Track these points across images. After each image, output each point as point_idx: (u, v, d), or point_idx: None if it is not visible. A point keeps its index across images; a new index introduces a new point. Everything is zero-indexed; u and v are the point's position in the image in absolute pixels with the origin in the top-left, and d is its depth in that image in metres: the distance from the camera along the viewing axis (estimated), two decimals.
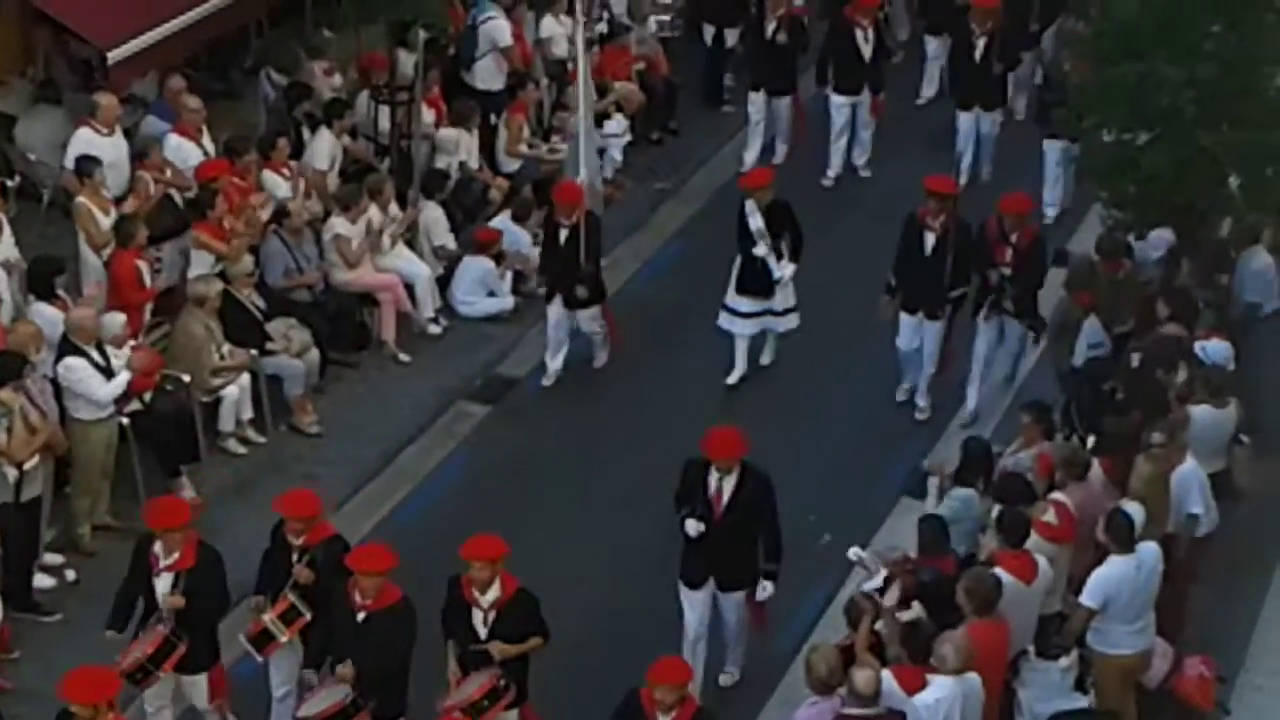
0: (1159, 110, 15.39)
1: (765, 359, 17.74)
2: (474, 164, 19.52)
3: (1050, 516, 13.29)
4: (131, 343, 15.24)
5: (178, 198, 16.92)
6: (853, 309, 17.68)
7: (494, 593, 12.51)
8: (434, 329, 18.24)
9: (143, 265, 16.00)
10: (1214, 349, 15.12)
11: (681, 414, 16.59)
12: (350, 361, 17.61)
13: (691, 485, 13.38)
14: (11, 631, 13.95)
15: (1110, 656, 13.02)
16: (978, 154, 20.95)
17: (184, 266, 16.75)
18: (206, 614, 12.80)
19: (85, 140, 16.78)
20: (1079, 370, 15.81)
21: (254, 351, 16.39)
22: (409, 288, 17.98)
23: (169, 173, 16.97)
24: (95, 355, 14.69)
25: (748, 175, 18.20)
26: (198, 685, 12.95)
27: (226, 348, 16.20)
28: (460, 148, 19.32)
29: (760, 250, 17.01)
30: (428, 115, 18.89)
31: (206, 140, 17.66)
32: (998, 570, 12.61)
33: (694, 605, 13.69)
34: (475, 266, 18.50)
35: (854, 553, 13.55)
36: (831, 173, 21.22)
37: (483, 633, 12.58)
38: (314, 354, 16.86)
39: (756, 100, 21.13)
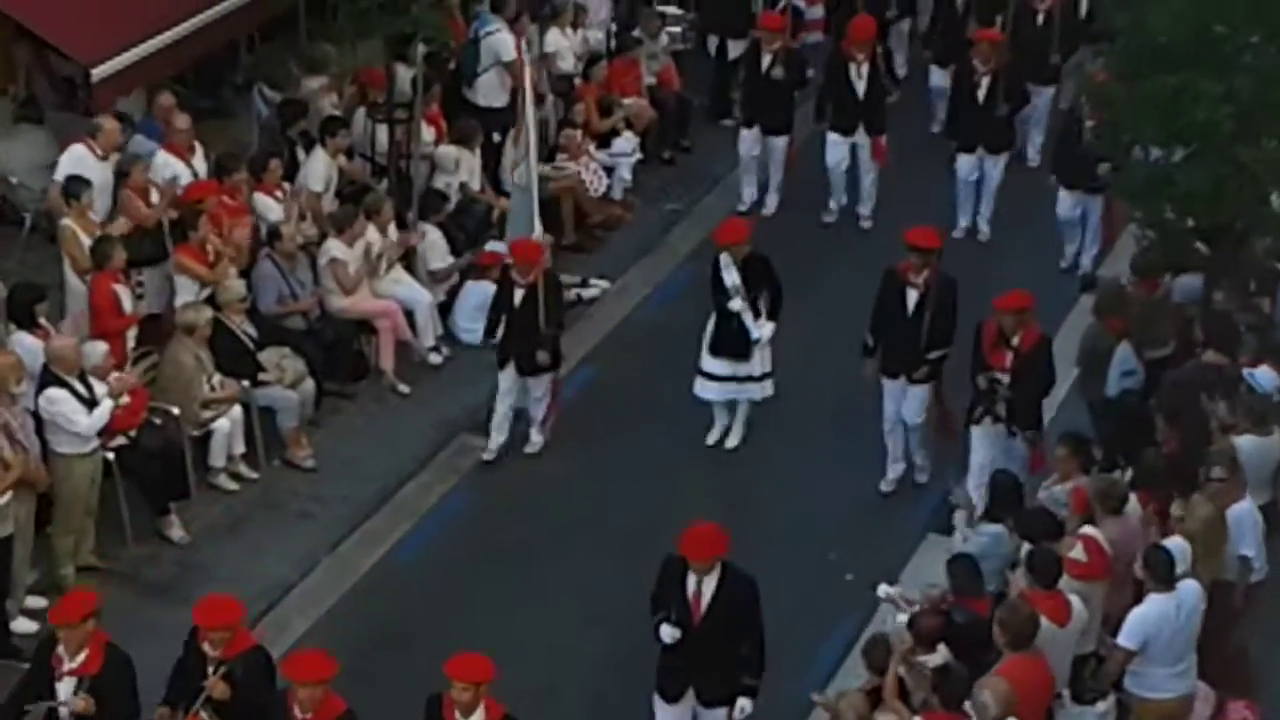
0: (1195, 125, 15.02)
1: (733, 440, 16.77)
2: (475, 184, 19.34)
3: (1079, 553, 12.97)
4: (115, 374, 14.89)
5: (165, 221, 16.60)
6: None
7: (477, 718, 11.71)
8: (435, 358, 17.97)
9: (122, 290, 15.73)
10: (1263, 377, 14.79)
11: (695, 446, 16.39)
12: (347, 393, 17.35)
13: (668, 586, 12.42)
14: None
15: (1150, 701, 12.74)
16: (978, 203, 20.22)
17: (170, 293, 16.52)
18: None
19: (78, 158, 16.64)
20: (1112, 401, 15.54)
21: (246, 383, 16.13)
22: (409, 315, 17.74)
23: (153, 193, 16.69)
24: (78, 386, 14.39)
25: (723, 228, 16.87)
26: None
27: (217, 378, 15.95)
28: (461, 167, 19.13)
29: (736, 306, 16.15)
30: (427, 133, 18.73)
31: (198, 159, 17.44)
32: None
33: None
34: (478, 292, 18.20)
35: (884, 590, 13.15)
36: (833, 205, 20.53)
37: None
38: (309, 385, 16.59)
39: (747, 138, 20.41)
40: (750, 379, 16.47)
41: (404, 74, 18.70)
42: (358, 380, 17.41)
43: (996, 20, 21.59)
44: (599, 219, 20.15)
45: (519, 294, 16.19)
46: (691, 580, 12.30)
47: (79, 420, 14.22)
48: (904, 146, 20.85)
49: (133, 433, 15.03)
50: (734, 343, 16.29)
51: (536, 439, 16.69)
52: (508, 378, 16.40)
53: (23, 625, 14.22)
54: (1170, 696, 12.67)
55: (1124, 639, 12.48)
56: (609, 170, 20.30)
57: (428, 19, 17.96)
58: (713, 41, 22.40)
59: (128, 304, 15.68)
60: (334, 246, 17.25)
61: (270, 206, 17.31)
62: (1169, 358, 15.59)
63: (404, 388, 17.48)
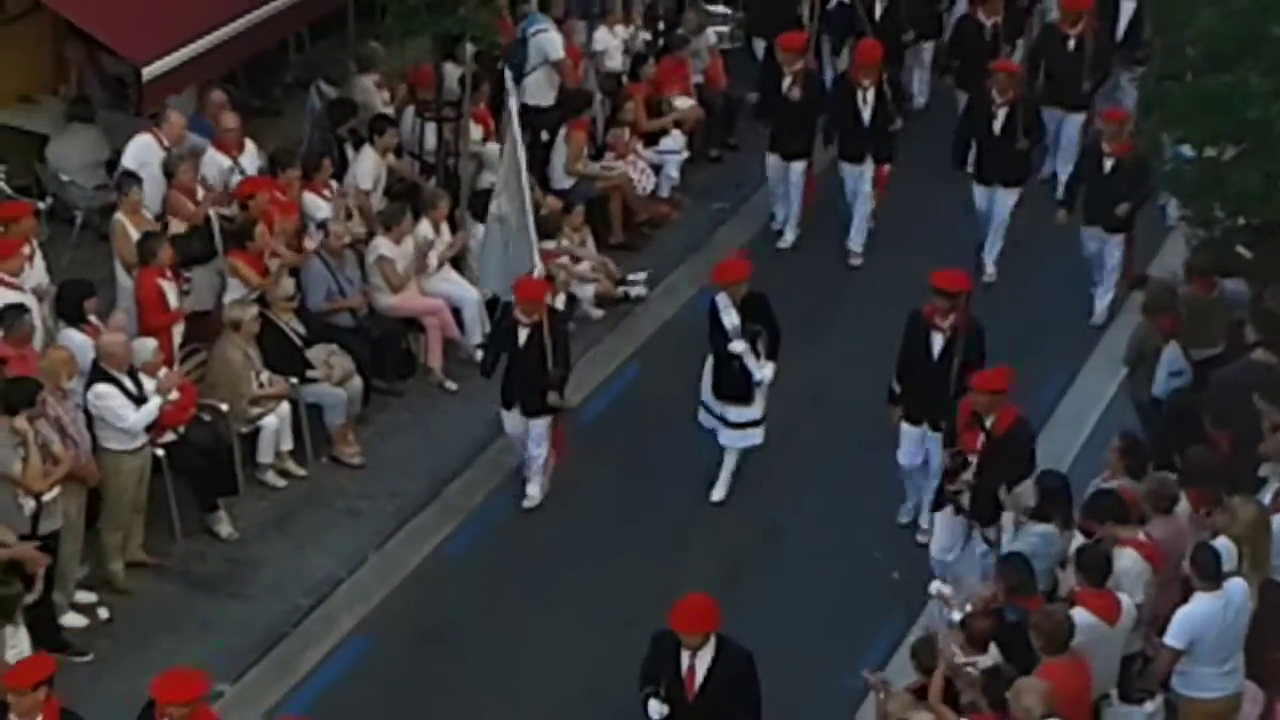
0: (1247, 124, 14.88)
1: (718, 492, 16.06)
2: None
3: (1129, 558, 12.81)
4: (164, 370, 14.86)
5: (215, 220, 16.58)
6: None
7: None
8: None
9: (168, 286, 15.69)
10: None
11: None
12: (395, 390, 17.31)
13: (661, 660, 11.84)
14: None
15: (1197, 701, 12.60)
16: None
17: (219, 290, 16.48)
18: None
19: (145, 146, 16.79)
20: (1160, 401, 15.39)
21: (294, 380, 16.12)
22: (456, 312, 17.67)
23: (200, 192, 16.69)
24: (127, 382, 14.39)
25: (721, 267, 16.12)
26: None
27: (265, 375, 15.95)
28: None
29: (737, 349, 15.50)
30: (475, 132, 18.67)
31: (247, 157, 17.45)
32: (1079, 610, 12.21)
33: None
34: None
35: (935, 588, 13.03)
36: (856, 248, 19.75)
37: None
38: (356, 382, 16.55)
39: (772, 162, 19.87)
40: (735, 425, 15.82)
41: (452, 72, 18.67)
42: (405, 378, 17.37)
43: (1019, 44, 21.43)
44: (646, 217, 20.11)
45: (523, 334, 15.51)
46: (685, 655, 11.76)
47: (127, 416, 14.23)
48: (928, 177, 19.95)
49: (181, 429, 15.04)
50: (736, 385, 15.66)
51: (534, 492, 16.00)
52: (512, 421, 15.83)
53: (72, 620, 14.25)
54: (1218, 696, 12.53)
55: (1171, 638, 12.35)
56: (656, 169, 20.23)
57: (476, 18, 17.86)
58: (759, 44, 22.13)
59: (174, 300, 15.66)
60: (382, 244, 17.22)
61: (319, 205, 17.29)
62: (1218, 357, 15.42)
63: (451, 385, 17.42)
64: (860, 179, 19.40)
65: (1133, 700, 12.60)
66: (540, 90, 19.75)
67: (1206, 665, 12.45)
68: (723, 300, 15.58)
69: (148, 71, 16.62)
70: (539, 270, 16.11)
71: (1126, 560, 12.65)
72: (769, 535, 15.61)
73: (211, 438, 15.32)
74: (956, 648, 12.16)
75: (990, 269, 19.16)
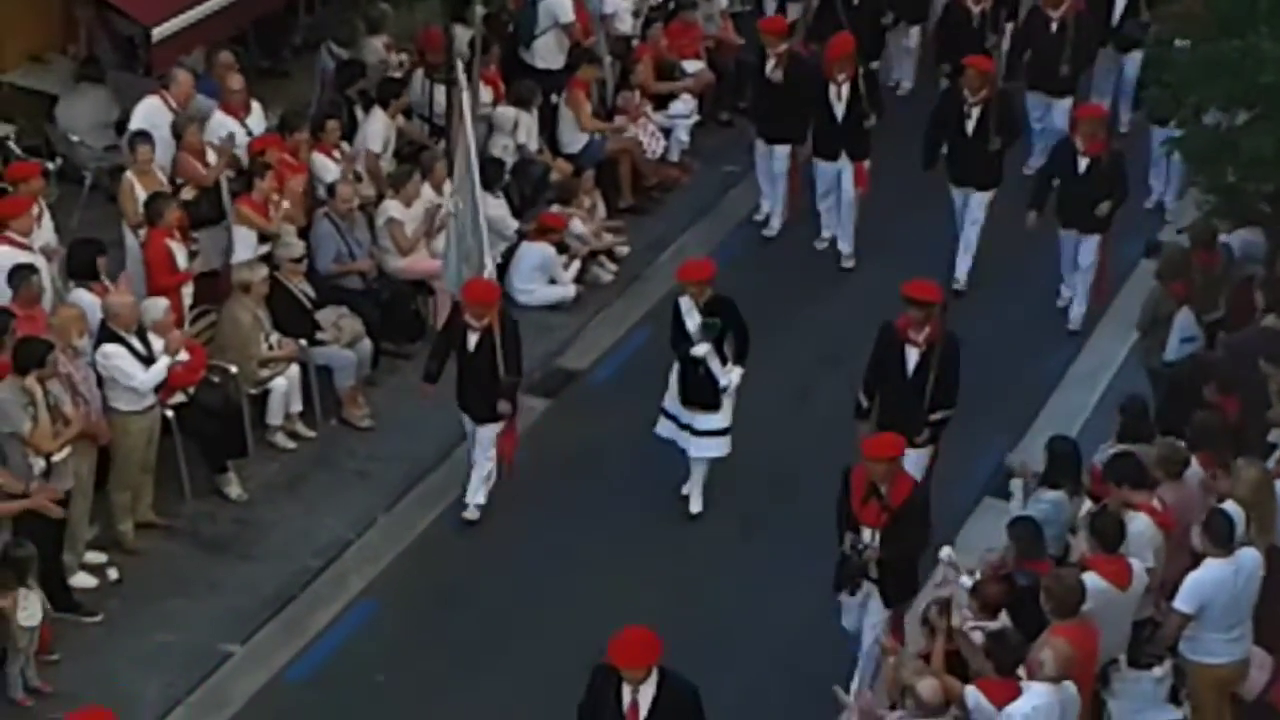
0: (1259, 88, 14.84)
1: (695, 505, 15.48)
2: (533, 145, 19.26)
3: (1143, 522, 12.77)
4: (175, 332, 14.77)
5: (224, 182, 16.58)
6: None
7: None
8: None
9: (176, 247, 15.66)
10: None
11: (754, 412, 15.93)
12: (404, 352, 17.24)
13: (600, 698, 11.18)
14: (52, 633, 13.64)
15: (1205, 666, 12.59)
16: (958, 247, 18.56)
17: (228, 252, 16.45)
18: None
19: (154, 109, 16.73)
20: (1171, 365, 15.35)
21: (303, 341, 16.11)
22: None
23: (209, 154, 16.64)
24: (135, 343, 14.36)
25: (686, 266, 15.49)
26: None
27: (275, 337, 15.92)
28: (520, 129, 19.06)
29: (700, 351, 14.94)
30: (485, 94, 18.62)
31: (254, 118, 17.41)
32: (1091, 574, 12.19)
33: None
34: (534, 253, 18.18)
35: (945, 553, 12.98)
36: (825, 233, 19.21)
37: None
38: (366, 344, 16.56)
39: (757, 146, 19.42)
40: (701, 432, 15.23)
41: (462, 35, 18.59)
42: (414, 340, 17.30)
43: (1008, 30, 20.83)
44: (656, 181, 20.08)
45: (473, 338, 14.87)
46: (626, 691, 11.09)
47: (135, 376, 14.19)
48: (913, 169, 18.76)
49: (191, 391, 15.03)
50: (702, 392, 15.07)
51: (479, 500, 15.31)
52: (470, 423, 15.30)
53: (82, 580, 14.26)
54: (1225, 661, 12.51)
55: (1181, 603, 12.33)
56: (666, 132, 20.22)
57: None
58: (770, 5, 22.16)
59: (182, 261, 15.62)
60: (391, 207, 17.20)
61: (327, 167, 17.26)
62: (1220, 320, 15.43)
63: None
64: (839, 177, 18.72)
65: (1141, 665, 12.53)
66: (550, 54, 19.75)
67: (1214, 631, 12.43)
68: (685, 303, 15.00)
69: (157, 32, 16.59)
70: (489, 271, 15.69)
71: (1139, 525, 12.64)
72: (781, 494, 15.56)
73: (221, 399, 15.31)
74: (967, 613, 12.15)
75: (961, 279, 18.40)
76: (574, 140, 19.54)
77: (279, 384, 15.82)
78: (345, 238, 16.83)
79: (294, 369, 15.94)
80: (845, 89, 18.36)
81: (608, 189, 19.33)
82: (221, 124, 17.03)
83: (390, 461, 15.98)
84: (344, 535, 15.12)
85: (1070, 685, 11.42)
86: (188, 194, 16.17)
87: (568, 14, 19.61)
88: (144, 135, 16.17)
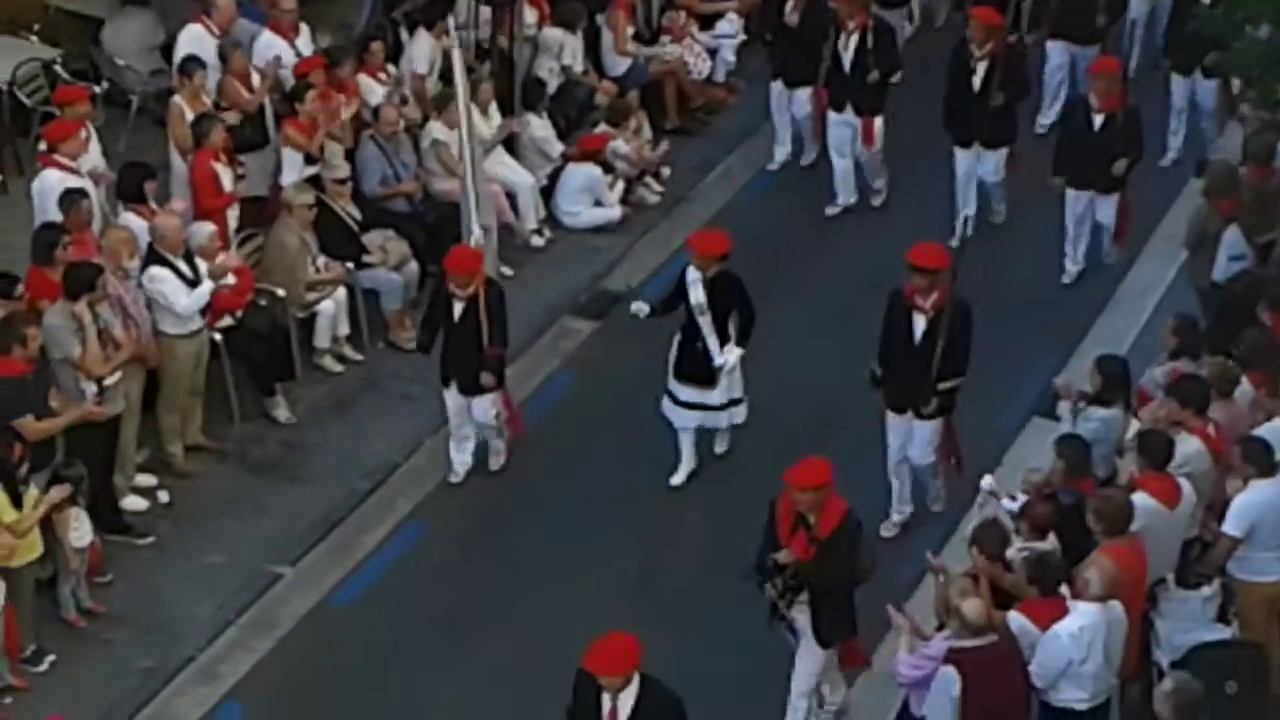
0: None
1: (720, 446, 15.16)
2: (579, 67, 19.17)
3: (1192, 442, 12.65)
4: (223, 255, 14.79)
5: (269, 106, 16.57)
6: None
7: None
8: (537, 241, 17.91)
9: (222, 169, 15.67)
10: None
11: (789, 338, 16.01)
12: None
13: (583, 704, 10.84)
14: (103, 554, 13.77)
15: (1254, 584, 12.54)
16: (981, 206, 17.88)
17: (274, 176, 16.43)
18: None
19: (196, 37, 16.68)
20: (1220, 285, 15.20)
21: (350, 265, 16.12)
22: (511, 197, 17.64)
23: (254, 77, 16.60)
24: (182, 266, 14.38)
25: (700, 237, 14.87)
26: None
27: (321, 260, 15.94)
28: (565, 50, 18.95)
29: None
30: (530, 16, 18.54)
31: (302, 41, 17.37)
32: (1140, 494, 12.14)
33: None
34: (580, 175, 18.14)
35: (987, 481, 12.90)
36: (840, 198, 18.42)
37: None
38: (412, 267, 16.55)
39: (775, 90, 18.74)
40: (707, 407, 14.77)
41: None
42: None
43: None
44: (702, 102, 19.98)
45: (458, 307, 14.42)
46: (606, 698, 10.78)
47: (179, 300, 14.22)
48: (927, 130, 17.98)
49: (239, 314, 15.08)
50: (697, 367, 14.55)
51: (498, 455, 15.10)
52: (452, 397, 14.76)
53: (132, 503, 14.35)
54: (1275, 579, 12.45)
55: (1229, 526, 12.31)
56: (712, 52, 20.10)
57: None
58: None
59: (228, 184, 15.63)
60: (436, 129, 17.15)
61: (373, 89, 17.21)
62: (1275, 240, 15.25)
63: (506, 270, 17.19)
64: (846, 130, 18.03)
65: (1189, 585, 12.44)
66: None
67: (1264, 550, 12.39)
68: (692, 273, 14.43)
69: None
70: (477, 238, 15.19)
71: (1190, 446, 12.57)
72: (827, 418, 15.52)
73: (268, 323, 15.34)
74: (1014, 536, 12.11)
75: (1000, 209, 18.01)
76: (618, 62, 19.44)
77: (326, 307, 15.85)
78: (391, 160, 16.81)
79: (341, 292, 15.96)
80: (854, 39, 17.66)
81: (653, 110, 19.25)
82: (269, 45, 17.01)
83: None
84: (391, 458, 15.15)
85: (1116, 605, 11.38)
86: (232, 118, 16.15)
87: None
88: (196, 60, 16.13)
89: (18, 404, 12.98)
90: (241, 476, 14.88)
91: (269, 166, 16.42)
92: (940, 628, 11.70)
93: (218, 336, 14.92)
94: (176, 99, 16.03)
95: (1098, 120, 16.75)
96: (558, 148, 18.18)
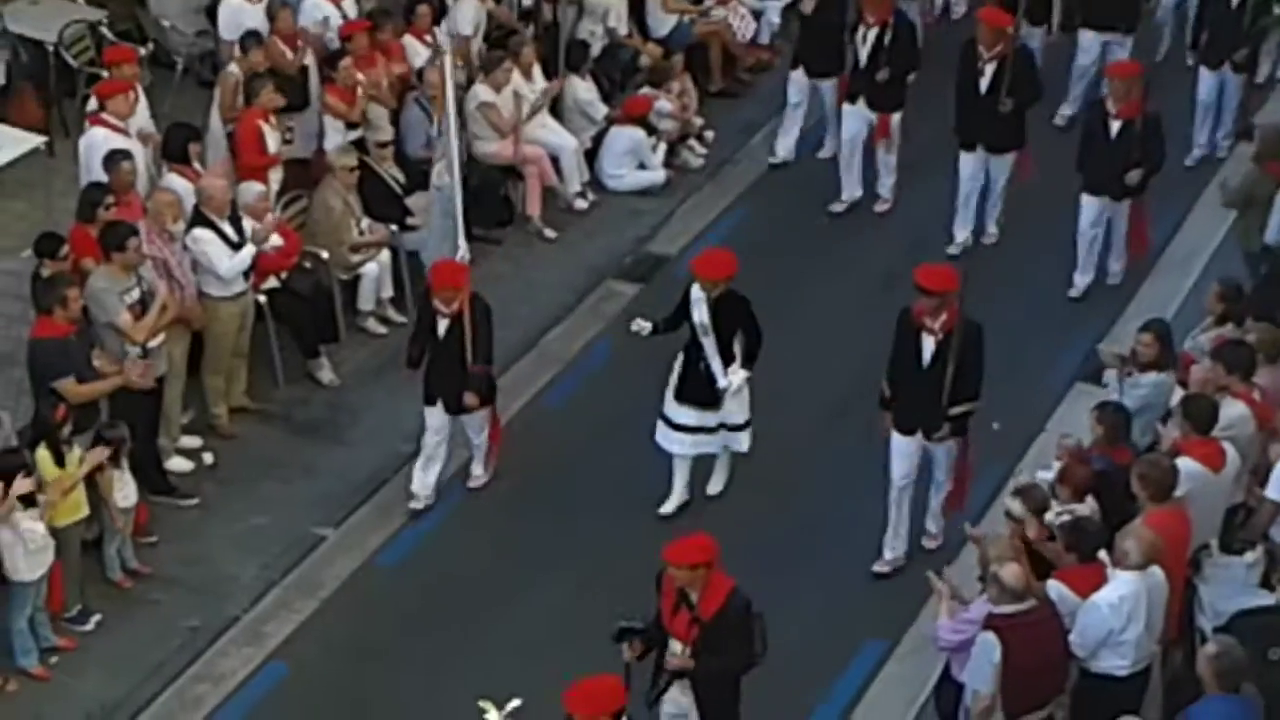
0: None
1: (715, 486, 14.45)
2: (623, 29, 19.11)
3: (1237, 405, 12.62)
4: (270, 216, 14.79)
5: (312, 68, 16.55)
6: None
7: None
8: (581, 204, 17.85)
9: (268, 130, 15.66)
10: None
11: (833, 304, 15.98)
12: (493, 238, 17.21)
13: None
14: (150, 515, 13.84)
15: None
16: (981, 212, 17.18)
17: (319, 138, 16.46)
18: None
19: (236, 8, 16.71)
20: (1270, 249, 15.11)
21: (394, 227, 16.09)
22: (554, 160, 17.60)
23: (300, 40, 16.62)
24: (227, 228, 14.39)
25: (704, 259, 14.14)
26: None
27: (365, 223, 15.91)
28: (609, 13, 18.89)
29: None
30: None
31: (349, 4, 17.36)
32: (1184, 458, 12.08)
33: None
34: (624, 137, 18.10)
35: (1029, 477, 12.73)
36: (845, 193, 17.83)
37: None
38: None
39: (796, 79, 18.10)
40: (706, 430, 14.10)
41: None
42: (504, 226, 17.30)
43: None
44: (748, 64, 19.91)
45: (442, 325, 13.89)
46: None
47: (221, 263, 14.23)
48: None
49: (284, 276, 15.10)
50: (700, 389, 13.92)
51: (479, 472, 14.56)
52: (435, 416, 14.13)
53: (177, 464, 14.41)
54: None
55: (1273, 491, 12.21)
56: (757, 14, 19.99)
57: None
58: None
59: (272, 145, 15.65)
60: (482, 91, 17.13)
61: (418, 51, 17.19)
62: None
63: (550, 233, 17.38)
64: (861, 123, 17.44)
65: (1233, 550, 12.38)
66: None
67: None
68: (696, 292, 13.80)
69: None
70: (463, 254, 14.77)
71: (1235, 410, 12.50)
72: (863, 387, 15.46)
73: (313, 285, 15.37)
74: (1052, 500, 12.08)
75: (992, 229, 17.19)
76: (662, 24, 19.36)
77: (370, 269, 15.84)
78: (435, 123, 16.83)
79: (385, 254, 15.95)
80: (873, 33, 17.04)
81: (698, 73, 19.19)
82: (316, 6, 17.04)
83: None
84: None
85: (1157, 571, 11.33)
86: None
87: None
88: (256, 36, 16.12)
89: (60, 365, 13.06)
90: (285, 438, 14.92)
91: (312, 129, 16.42)
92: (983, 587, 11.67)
93: (262, 299, 14.94)
94: (233, 68, 16.02)
95: (1115, 126, 15.99)
96: (601, 110, 18.14)
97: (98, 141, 14.80)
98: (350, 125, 16.30)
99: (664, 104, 18.27)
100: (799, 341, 15.47)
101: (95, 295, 13.43)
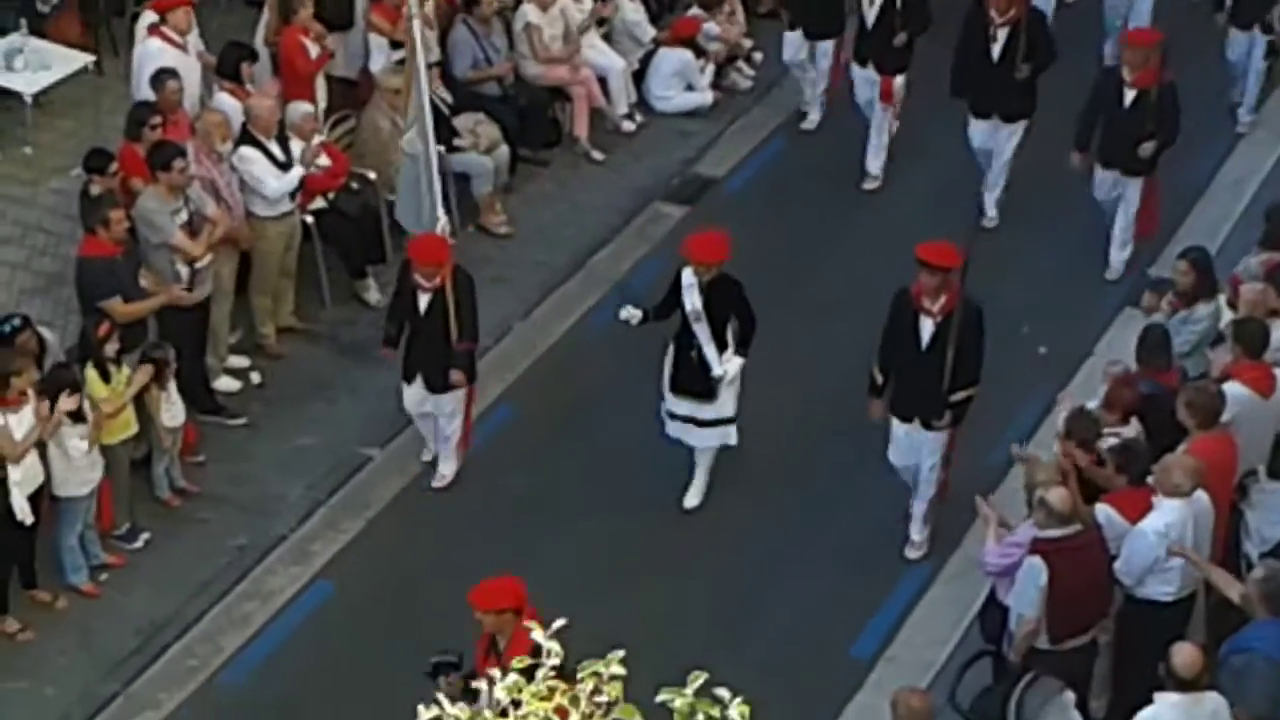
0: None
1: (692, 498, 13.78)
2: None
3: None
4: (319, 137, 14.79)
5: None
6: None
7: None
8: (628, 125, 17.76)
9: (309, 44, 15.56)
10: None
11: (885, 233, 15.69)
12: (541, 159, 17.18)
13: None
14: (198, 435, 13.90)
15: None
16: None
17: (365, 58, 16.37)
18: None
19: None
20: None
21: (441, 148, 15.80)
22: (602, 81, 17.51)
23: None
24: (274, 148, 14.37)
25: (696, 242, 13.49)
26: None
27: None
28: None
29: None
30: None
31: None
32: (1232, 383, 12.06)
33: None
34: (672, 58, 17.99)
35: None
36: (874, 168, 17.06)
37: None
38: (503, 151, 16.44)
39: (792, 40, 17.41)
40: (695, 421, 13.53)
41: None
42: (551, 147, 17.24)
43: None
44: None
45: (424, 299, 13.31)
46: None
47: (268, 183, 14.23)
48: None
49: (331, 197, 15.09)
50: (694, 379, 13.36)
51: (445, 471, 13.95)
52: (413, 394, 13.64)
53: (225, 384, 14.47)
54: None
55: None
56: None
57: None
58: None
59: (313, 52, 15.51)
60: (529, 11, 17.03)
61: None
62: None
63: (598, 155, 17.31)
64: (868, 88, 16.79)
65: None
66: None
67: None
68: (688, 276, 13.22)
69: None
70: (442, 225, 14.14)
71: None
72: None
73: (360, 206, 15.33)
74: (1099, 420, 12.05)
75: (991, 213, 16.26)
76: None
77: None
78: (482, 43, 16.70)
79: None
80: None
81: None
82: None
83: (526, 268, 15.94)
84: (481, 341, 15.09)
85: (1203, 496, 11.31)
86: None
87: None
88: None
89: (107, 284, 13.10)
90: (333, 359, 14.95)
91: (358, 49, 16.35)
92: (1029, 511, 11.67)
93: (309, 219, 14.94)
94: None
95: (1129, 95, 15.16)
96: (649, 32, 18.03)
97: (153, 52, 14.75)
98: (395, 44, 16.23)
99: (712, 25, 18.16)
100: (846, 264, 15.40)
101: (146, 216, 13.45)
